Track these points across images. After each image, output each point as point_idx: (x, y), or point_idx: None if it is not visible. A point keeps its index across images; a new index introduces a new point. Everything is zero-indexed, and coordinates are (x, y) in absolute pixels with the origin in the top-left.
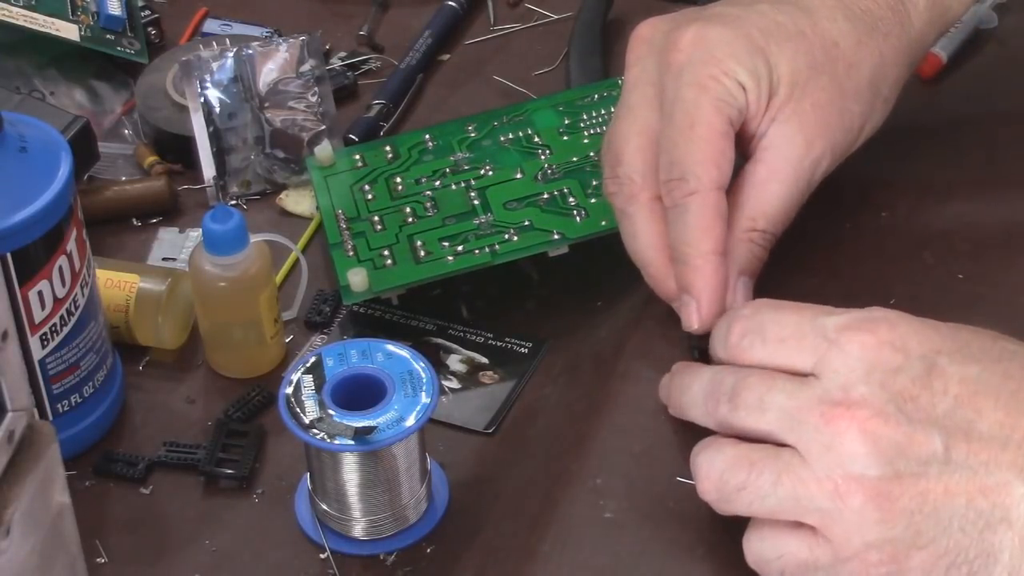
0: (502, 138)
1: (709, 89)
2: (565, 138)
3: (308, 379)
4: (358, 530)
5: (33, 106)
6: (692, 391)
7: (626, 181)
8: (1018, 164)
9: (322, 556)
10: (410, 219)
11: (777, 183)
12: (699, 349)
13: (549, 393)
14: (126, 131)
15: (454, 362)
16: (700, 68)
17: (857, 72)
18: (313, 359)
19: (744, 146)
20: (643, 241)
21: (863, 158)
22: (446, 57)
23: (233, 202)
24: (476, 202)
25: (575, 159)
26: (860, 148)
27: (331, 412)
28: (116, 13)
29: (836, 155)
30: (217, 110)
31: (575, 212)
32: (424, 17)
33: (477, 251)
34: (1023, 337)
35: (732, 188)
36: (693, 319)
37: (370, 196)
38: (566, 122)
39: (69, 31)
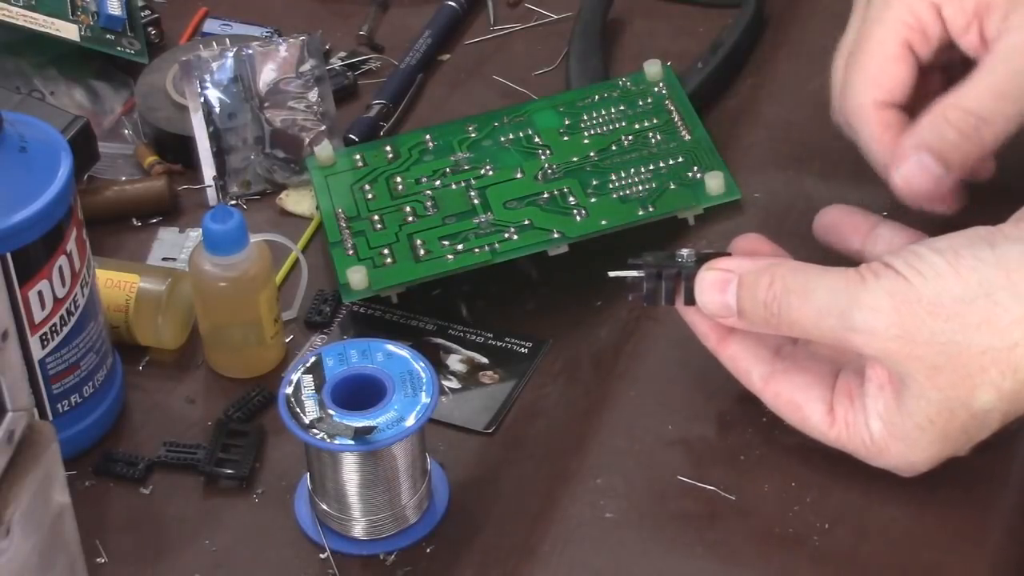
0: (502, 138)
1: (892, 7)
2: (566, 139)
3: (308, 379)
4: (358, 530)
5: (33, 106)
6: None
7: (833, 101)
8: (1018, 164)
9: (322, 556)
10: (410, 218)
11: (992, 63)
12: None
13: (549, 393)
14: (126, 131)
15: (454, 362)
16: None
17: None
18: (313, 359)
19: (978, 52)
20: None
21: (863, 157)
22: (446, 57)
23: (233, 202)
24: (476, 201)
25: (575, 159)
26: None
27: (331, 412)
28: (116, 13)
29: None
30: (217, 110)
31: (575, 211)
32: (424, 17)
33: (477, 250)
34: None
35: None
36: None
37: (370, 196)
38: (567, 123)
39: (69, 31)
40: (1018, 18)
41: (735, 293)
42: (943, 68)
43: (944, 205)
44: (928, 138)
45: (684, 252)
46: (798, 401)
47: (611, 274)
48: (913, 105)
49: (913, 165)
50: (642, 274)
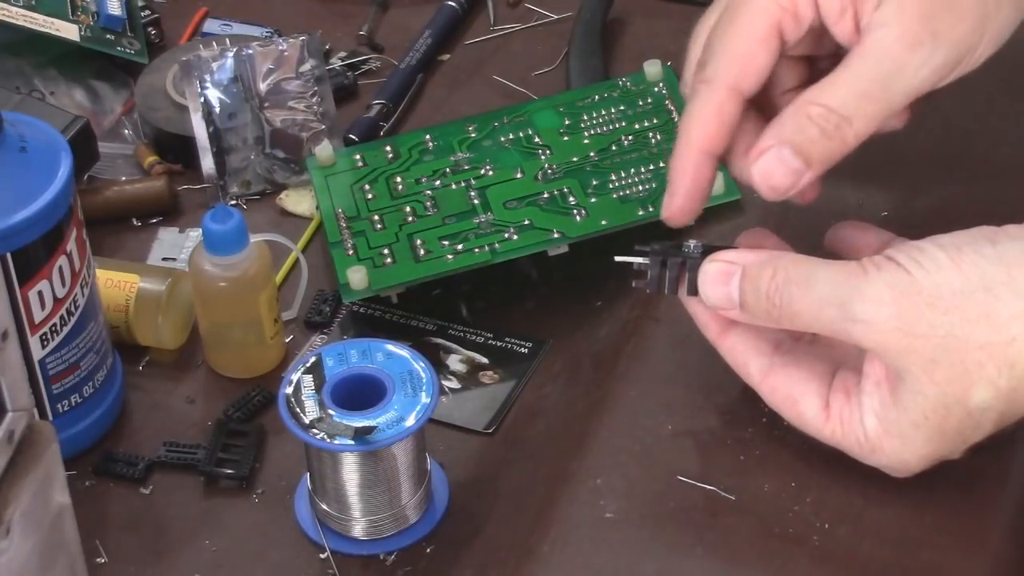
0: (502, 138)
1: None
2: (566, 139)
3: (308, 379)
4: (358, 530)
5: (33, 106)
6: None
7: (685, 71)
8: (1018, 164)
9: (322, 556)
10: (410, 218)
11: (859, 61)
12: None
13: (549, 393)
14: (126, 131)
15: (454, 362)
16: None
17: None
18: (313, 359)
19: (851, 40)
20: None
21: (863, 158)
22: (446, 57)
23: (233, 202)
24: (476, 201)
25: (575, 159)
26: (860, 148)
27: (331, 412)
28: (116, 13)
29: (944, 47)
30: (217, 110)
31: (575, 211)
32: (424, 17)
33: (477, 250)
34: None
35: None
36: (663, 207)
37: (370, 196)
38: (567, 123)
39: (69, 31)
40: (889, 10)
41: (738, 285)
42: (808, 59)
43: (800, 197)
44: (789, 133)
45: (691, 243)
46: (794, 396)
47: (617, 259)
48: (763, 93)
49: (772, 158)
50: (647, 261)
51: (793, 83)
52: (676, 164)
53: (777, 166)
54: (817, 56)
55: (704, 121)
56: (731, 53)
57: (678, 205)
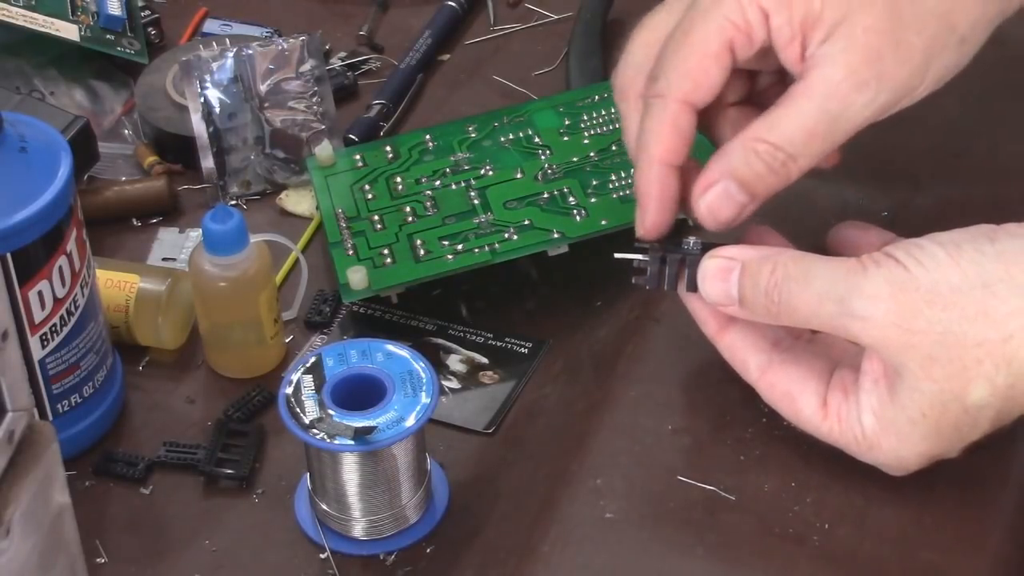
0: (502, 139)
1: (723, 5)
2: (565, 139)
3: (308, 379)
4: (358, 530)
5: (33, 106)
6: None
7: (620, 74)
8: (1018, 164)
9: (322, 556)
10: (410, 218)
11: (806, 99)
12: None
13: (549, 393)
14: (126, 131)
15: (454, 362)
16: None
17: (922, 1)
18: (313, 359)
19: (796, 66)
20: (627, 138)
21: (864, 158)
22: (446, 57)
23: (233, 202)
24: (476, 201)
25: (575, 159)
26: (861, 149)
27: (331, 412)
28: (116, 13)
29: (888, 88)
30: (217, 110)
31: (575, 211)
32: (424, 17)
33: (477, 250)
34: None
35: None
36: (636, 225)
37: (370, 196)
38: (566, 123)
39: (69, 31)
40: (837, 45)
41: (737, 281)
42: (749, 72)
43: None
44: (736, 166)
45: (691, 240)
46: (793, 393)
47: (617, 256)
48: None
49: (720, 192)
50: (647, 257)
51: (734, 98)
52: (641, 180)
53: (724, 200)
54: (758, 71)
55: (662, 135)
56: (683, 67)
57: (651, 221)
